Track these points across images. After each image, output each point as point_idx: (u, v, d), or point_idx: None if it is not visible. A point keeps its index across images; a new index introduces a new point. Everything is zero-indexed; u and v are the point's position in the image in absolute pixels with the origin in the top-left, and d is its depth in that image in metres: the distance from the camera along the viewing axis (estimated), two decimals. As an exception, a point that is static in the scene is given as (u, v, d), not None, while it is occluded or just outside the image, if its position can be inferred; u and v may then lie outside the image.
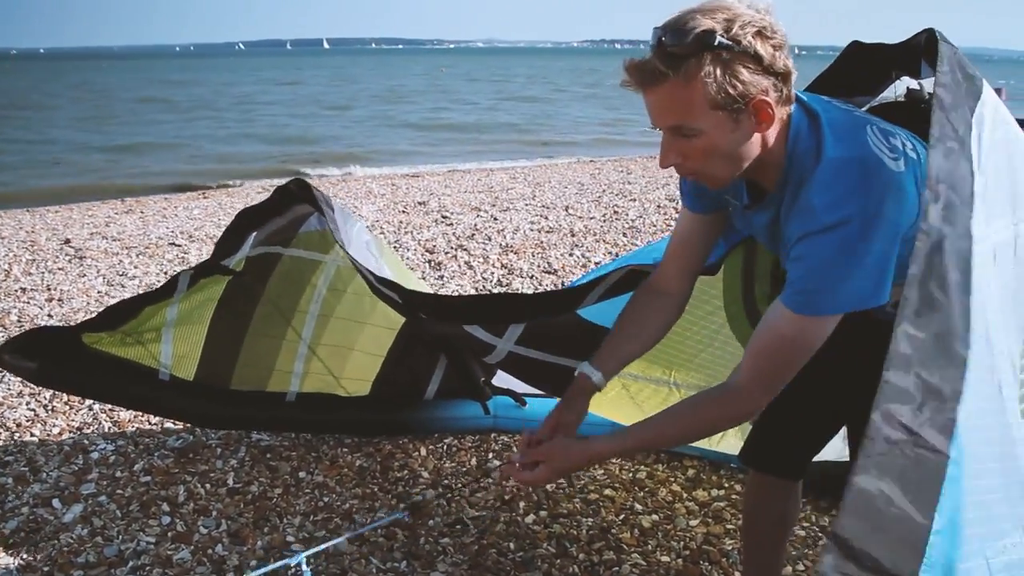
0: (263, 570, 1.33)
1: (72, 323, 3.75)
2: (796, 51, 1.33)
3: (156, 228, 6.94)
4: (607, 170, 11.70)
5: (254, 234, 2.52)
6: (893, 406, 1.07)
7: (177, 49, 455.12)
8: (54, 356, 2.52)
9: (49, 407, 3.19)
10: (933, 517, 1.02)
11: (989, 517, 1.14)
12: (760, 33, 1.22)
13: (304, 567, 1.32)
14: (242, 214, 2.48)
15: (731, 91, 1.23)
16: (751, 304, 2.29)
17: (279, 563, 1.29)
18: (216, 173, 12.99)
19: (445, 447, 2.94)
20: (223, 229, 2.52)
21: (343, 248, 2.33)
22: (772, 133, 1.32)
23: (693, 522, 2.55)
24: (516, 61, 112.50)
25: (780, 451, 1.86)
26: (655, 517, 2.56)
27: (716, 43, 1.20)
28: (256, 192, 10.23)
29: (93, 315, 2.53)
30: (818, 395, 1.69)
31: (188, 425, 3.01)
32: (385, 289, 2.27)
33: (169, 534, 2.38)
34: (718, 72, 1.22)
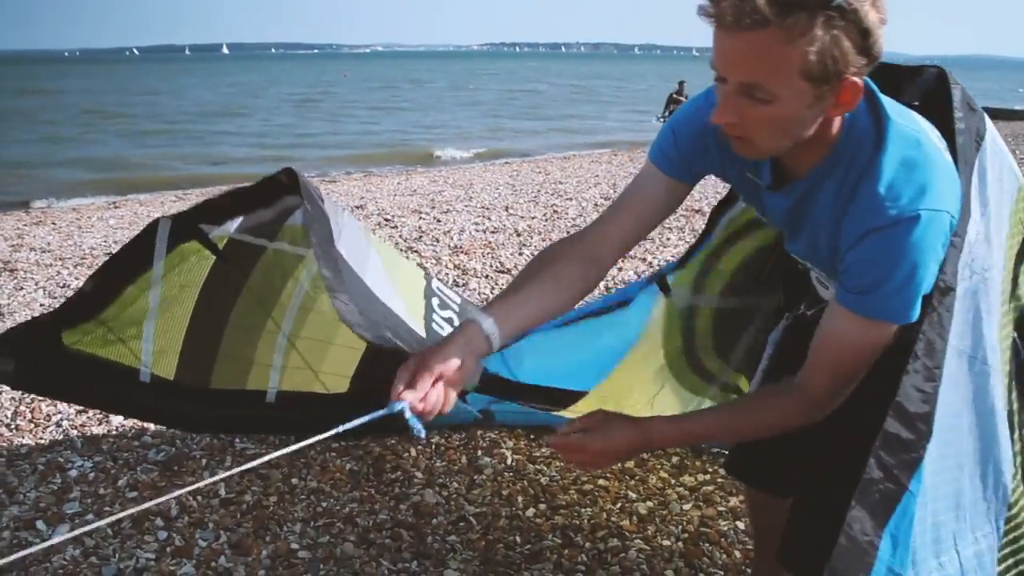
0: (364, 420, 1.25)
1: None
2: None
3: (83, 239, 6.69)
4: (526, 171, 11.85)
5: (241, 219, 2.47)
6: (884, 452, 1.20)
7: (65, 55, 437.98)
8: (33, 358, 2.44)
9: (12, 426, 3.06)
10: (881, 536, 1.19)
11: (937, 538, 1.32)
12: (875, 4, 1.06)
13: (408, 414, 1.24)
14: (229, 194, 2.42)
15: (830, 64, 1.07)
16: (694, 357, 2.39)
17: (380, 412, 1.22)
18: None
19: (433, 447, 2.94)
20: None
21: (314, 237, 2.29)
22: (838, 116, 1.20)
23: (686, 506, 2.61)
24: (417, 64, 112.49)
25: (777, 469, 1.73)
26: (650, 504, 2.62)
27: (835, 3, 1.03)
28: (171, 201, 9.94)
29: (71, 297, 2.44)
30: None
31: (168, 436, 2.93)
32: (336, 299, 2.25)
33: (168, 549, 2.32)
34: (827, 39, 1.05)
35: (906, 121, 1.22)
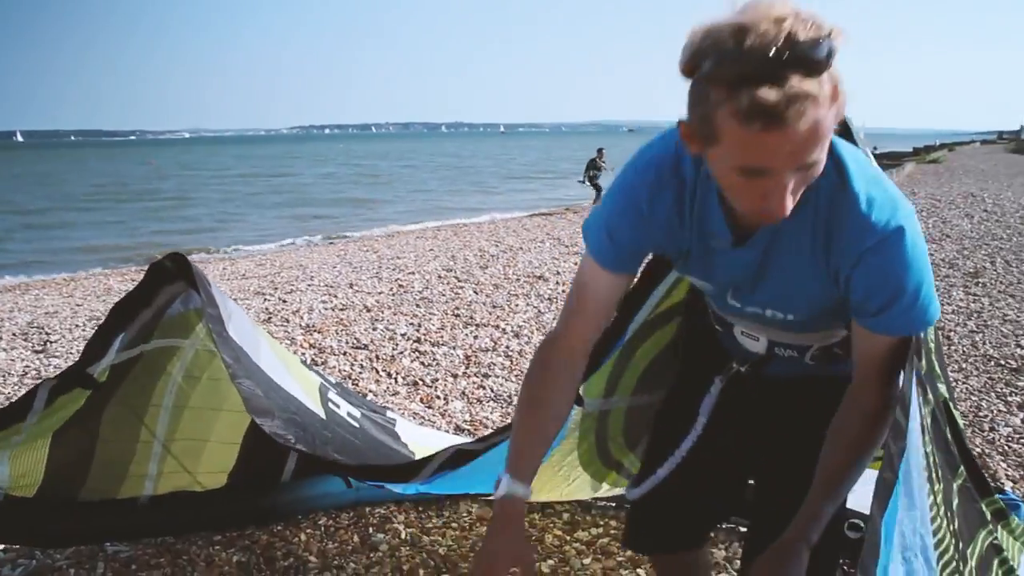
0: None
1: None
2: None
3: None
4: (353, 250, 11.81)
5: (122, 335, 2.35)
6: (891, 440, 1.25)
7: None
8: None
9: None
10: (881, 528, 1.21)
11: (901, 532, 1.35)
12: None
13: None
14: (112, 311, 2.30)
15: (839, 113, 1.07)
16: (604, 452, 2.37)
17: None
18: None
19: (323, 529, 2.83)
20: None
21: (210, 324, 2.22)
22: None
23: (586, 560, 2.64)
24: (225, 150, 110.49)
25: (682, 524, 1.77)
26: (551, 562, 2.63)
27: (829, 57, 1.01)
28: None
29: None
30: (721, 456, 1.70)
31: (25, 548, 2.65)
32: (241, 385, 2.18)
33: (46, 669, 2.09)
34: (836, 88, 1.04)
35: (843, 143, 1.26)
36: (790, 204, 1.10)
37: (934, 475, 1.51)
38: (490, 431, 3.40)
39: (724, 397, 1.69)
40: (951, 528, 1.56)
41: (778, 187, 1.09)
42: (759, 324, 1.53)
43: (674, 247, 1.41)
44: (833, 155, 1.21)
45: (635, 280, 1.60)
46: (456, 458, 2.23)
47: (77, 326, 6.17)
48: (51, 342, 5.66)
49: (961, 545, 1.60)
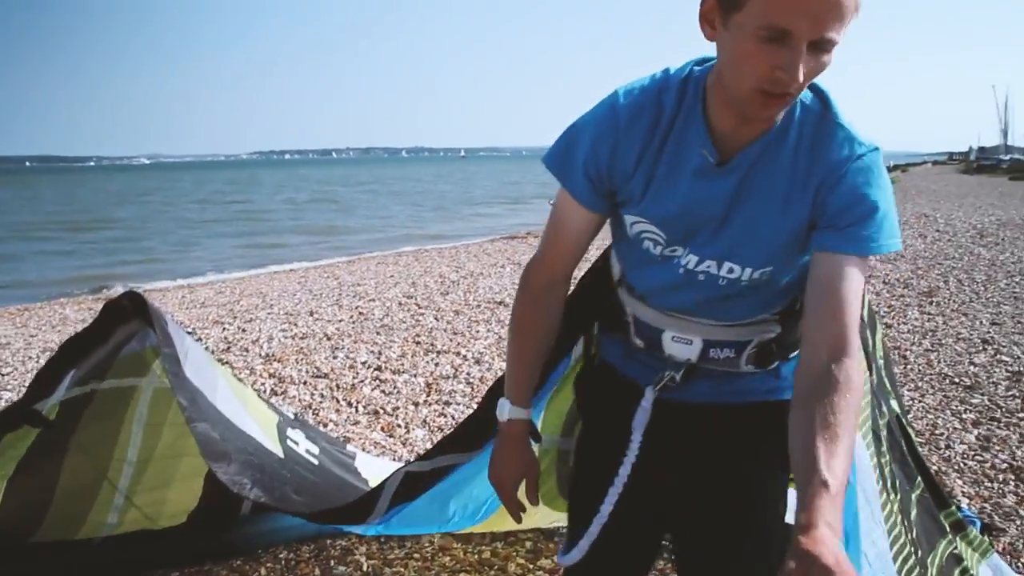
0: None
1: None
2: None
3: None
4: (313, 276, 11.72)
5: (73, 371, 2.30)
6: None
7: None
8: None
9: None
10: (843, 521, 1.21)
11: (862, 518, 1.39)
12: None
13: None
14: (64, 346, 2.26)
15: (856, 13, 1.12)
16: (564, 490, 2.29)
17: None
18: None
19: (283, 563, 2.78)
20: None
21: (167, 364, 2.19)
22: None
23: (550, 588, 2.64)
24: (184, 175, 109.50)
25: None
26: (515, 591, 2.62)
27: None
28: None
29: None
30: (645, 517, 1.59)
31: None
32: (196, 428, 2.14)
33: None
34: None
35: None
36: (800, 79, 1.12)
37: (888, 484, 1.53)
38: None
39: (659, 412, 1.54)
40: (910, 536, 1.59)
41: (794, 56, 1.10)
42: (703, 305, 1.45)
43: (639, 175, 1.37)
44: (816, 88, 1.30)
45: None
46: (407, 485, 2.17)
47: (30, 358, 6.04)
48: (3, 375, 5.53)
49: (920, 553, 1.63)
